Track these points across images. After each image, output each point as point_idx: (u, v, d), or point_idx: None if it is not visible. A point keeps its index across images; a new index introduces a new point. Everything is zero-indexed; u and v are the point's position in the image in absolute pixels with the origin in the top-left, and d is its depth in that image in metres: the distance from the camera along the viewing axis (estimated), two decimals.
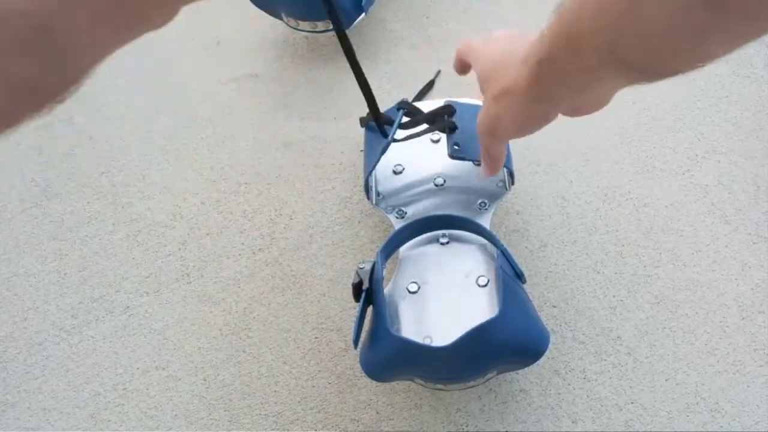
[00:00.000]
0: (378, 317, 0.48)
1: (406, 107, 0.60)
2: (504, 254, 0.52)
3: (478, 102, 0.63)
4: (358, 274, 0.49)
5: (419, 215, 0.59)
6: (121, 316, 0.63)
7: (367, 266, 0.50)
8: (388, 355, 0.47)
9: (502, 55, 0.42)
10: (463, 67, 0.51)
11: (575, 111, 0.41)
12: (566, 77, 0.35)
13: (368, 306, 0.50)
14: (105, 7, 0.25)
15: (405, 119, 0.60)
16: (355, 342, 0.49)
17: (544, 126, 0.41)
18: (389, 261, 0.56)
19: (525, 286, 0.53)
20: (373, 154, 0.60)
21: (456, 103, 0.59)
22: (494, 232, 0.56)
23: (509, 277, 0.50)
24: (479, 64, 0.45)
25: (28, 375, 0.60)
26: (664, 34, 0.28)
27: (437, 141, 0.63)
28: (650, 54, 0.30)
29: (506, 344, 0.46)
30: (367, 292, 0.49)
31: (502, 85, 0.40)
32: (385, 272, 0.54)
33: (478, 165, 0.63)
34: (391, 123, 0.58)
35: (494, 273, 0.54)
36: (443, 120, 0.58)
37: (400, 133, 0.59)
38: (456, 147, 0.57)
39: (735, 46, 0.29)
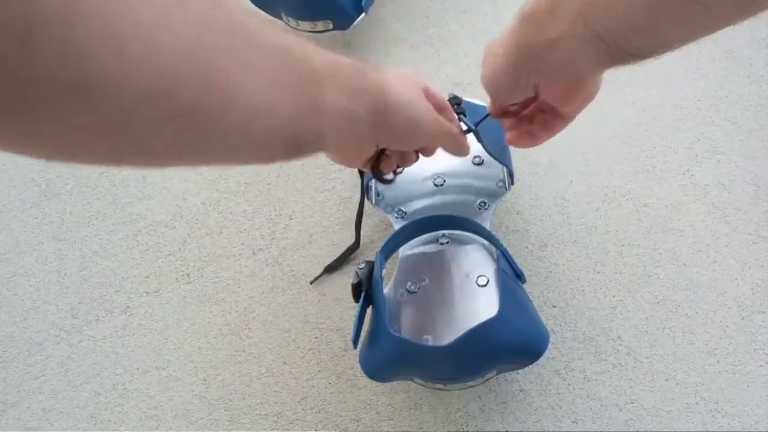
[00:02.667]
0: (377, 317, 0.48)
1: None
2: (504, 254, 0.52)
3: (480, 101, 0.63)
4: (357, 274, 0.49)
5: (419, 215, 0.59)
6: (121, 316, 0.63)
7: (367, 267, 0.50)
8: (388, 355, 0.47)
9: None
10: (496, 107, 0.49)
11: (564, 96, 0.41)
12: (541, 36, 0.35)
13: (367, 306, 0.50)
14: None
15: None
16: (355, 342, 0.49)
17: (517, 91, 0.41)
18: (389, 261, 0.56)
19: (525, 286, 0.53)
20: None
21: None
22: (494, 232, 0.56)
23: (508, 278, 0.49)
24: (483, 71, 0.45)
25: (28, 375, 0.60)
26: (625, 7, 0.30)
27: None
28: (614, 26, 0.31)
29: (505, 344, 0.46)
30: (367, 292, 0.49)
31: (491, 43, 0.41)
32: (384, 272, 0.54)
33: (479, 165, 0.63)
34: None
35: (494, 273, 0.54)
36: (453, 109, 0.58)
37: None
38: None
39: (691, 35, 0.31)
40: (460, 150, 0.48)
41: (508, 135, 0.48)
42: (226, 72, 0.25)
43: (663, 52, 0.32)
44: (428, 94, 0.45)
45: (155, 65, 0.21)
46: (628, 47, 0.32)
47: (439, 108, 0.46)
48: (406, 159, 0.47)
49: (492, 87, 0.43)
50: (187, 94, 0.23)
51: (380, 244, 0.55)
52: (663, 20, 0.30)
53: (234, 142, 0.27)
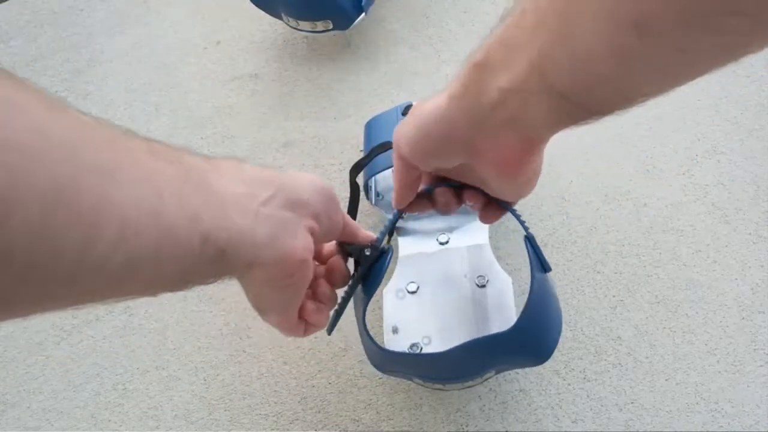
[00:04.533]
0: (362, 325, 0.46)
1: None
2: (530, 241, 0.45)
3: None
4: (363, 252, 0.44)
5: (419, 215, 0.59)
6: (121, 316, 0.63)
7: (374, 254, 0.45)
8: (389, 366, 0.47)
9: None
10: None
11: (503, 166, 0.34)
12: (490, 87, 0.30)
13: (351, 294, 0.46)
14: None
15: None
16: (329, 331, 0.45)
17: (449, 153, 0.35)
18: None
19: (521, 287, 0.53)
20: (376, 157, 0.60)
21: None
22: (494, 232, 0.55)
23: (541, 278, 0.43)
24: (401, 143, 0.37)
25: (28, 375, 0.60)
26: (590, 54, 0.25)
27: None
28: (576, 78, 0.26)
29: (513, 352, 0.45)
30: (359, 279, 0.45)
31: (419, 102, 0.35)
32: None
33: None
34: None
35: (493, 273, 0.54)
36: None
37: None
38: None
39: (664, 85, 0.26)
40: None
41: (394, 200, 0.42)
42: (88, 191, 0.21)
43: (628, 108, 0.28)
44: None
45: None
46: (591, 103, 0.28)
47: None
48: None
49: (417, 144, 0.35)
50: (23, 228, 0.19)
51: (404, 249, 0.53)
52: (634, 70, 0.25)
53: (123, 269, 0.24)
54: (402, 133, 0.36)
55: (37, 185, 0.19)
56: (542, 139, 0.33)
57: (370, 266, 0.44)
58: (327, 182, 0.37)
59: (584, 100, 0.28)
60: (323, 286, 0.42)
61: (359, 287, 0.45)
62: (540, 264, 0.43)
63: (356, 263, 0.45)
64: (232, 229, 0.29)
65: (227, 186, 0.30)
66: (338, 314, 0.44)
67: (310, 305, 0.40)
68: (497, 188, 0.37)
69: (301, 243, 0.34)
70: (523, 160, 0.34)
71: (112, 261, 0.23)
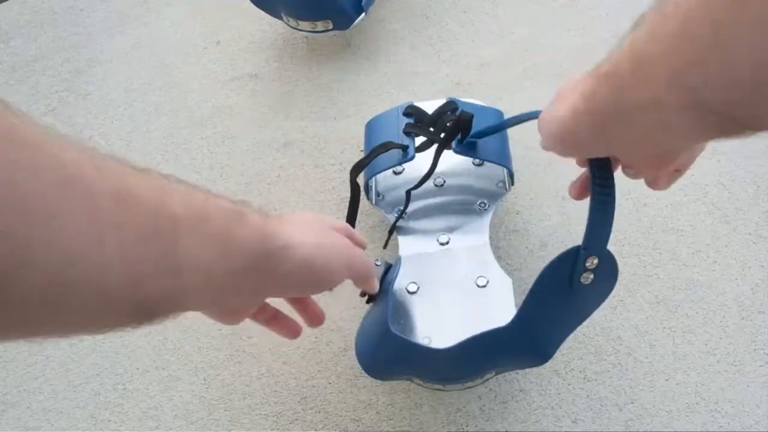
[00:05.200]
0: (382, 316, 0.48)
1: (412, 111, 0.60)
2: (578, 254, 0.40)
3: (479, 102, 0.63)
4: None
5: (419, 215, 0.59)
6: None
7: (384, 266, 0.50)
8: (389, 355, 0.47)
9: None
10: (578, 192, 0.42)
11: (650, 166, 0.33)
12: (621, 104, 0.28)
13: (369, 302, 0.50)
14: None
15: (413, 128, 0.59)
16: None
17: (588, 154, 0.35)
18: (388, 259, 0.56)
19: (524, 285, 0.53)
20: (376, 157, 0.60)
21: (458, 101, 0.59)
22: (494, 232, 0.55)
23: (546, 278, 0.41)
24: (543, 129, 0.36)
25: (28, 375, 0.60)
26: (752, 64, 0.22)
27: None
28: (733, 91, 0.23)
29: (512, 351, 0.45)
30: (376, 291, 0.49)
31: (562, 94, 0.33)
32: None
33: (479, 165, 0.63)
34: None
35: (494, 273, 0.54)
36: (447, 116, 0.58)
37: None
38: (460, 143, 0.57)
39: None
40: (369, 288, 0.47)
41: (572, 188, 0.41)
42: (11, 224, 0.19)
43: None
44: (346, 234, 0.42)
45: None
46: (748, 117, 0.24)
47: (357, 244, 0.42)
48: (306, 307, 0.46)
49: (554, 148, 0.35)
50: None
51: (404, 249, 0.55)
52: None
53: (40, 315, 0.23)
54: (539, 127, 0.36)
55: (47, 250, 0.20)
56: (685, 149, 0.32)
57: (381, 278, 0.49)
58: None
59: (740, 113, 0.24)
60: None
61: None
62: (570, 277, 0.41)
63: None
64: (174, 298, 0.27)
65: (190, 248, 0.27)
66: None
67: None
68: (647, 175, 0.37)
69: (248, 309, 0.39)
70: (668, 162, 0.33)
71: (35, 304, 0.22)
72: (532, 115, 0.43)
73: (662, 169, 0.35)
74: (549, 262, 0.39)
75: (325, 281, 0.38)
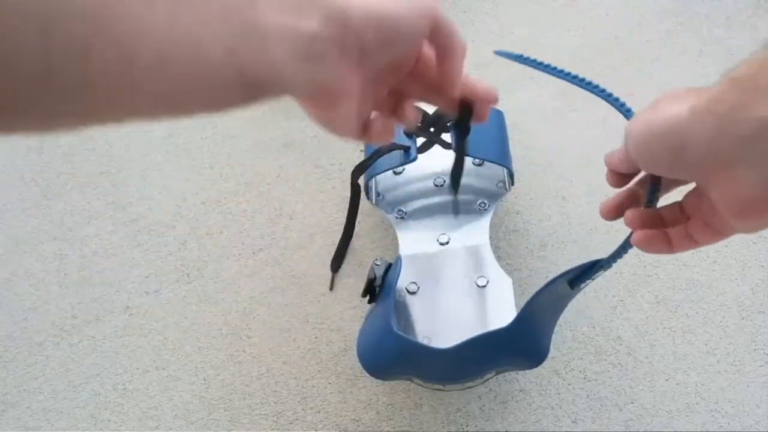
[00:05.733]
0: (383, 315, 0.48)
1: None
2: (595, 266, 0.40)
3: None
4: (373, 270, 0.49)
5: (419, 215, 0.59)
6: (121, 316, 0.63)
7: (384, 265, 0.49)
8: (391, 354, 0.47)
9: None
10: (616, 178, 0.39)
11: (745, 204, 0.28)
12: (746, 113, 0.25)
13: (371, 301, 0.50)
14: None
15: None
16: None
17: (680, 169, 0.30)
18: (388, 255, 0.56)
19: (523, 287, 0.53)
20: (377, 158, 0.60)
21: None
22: (494, 233, 0.55)
23: (556, 286, 0.41)
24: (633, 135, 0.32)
25: (28, 375, 0.60)
26: None
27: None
28: None
29: (512, 351, 0.45)
30: (376, 289, 0.49)
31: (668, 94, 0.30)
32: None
33: (479, 165, 0.63)
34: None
35: (494, 274, 0.54)
36: (448, 117, 0.58)
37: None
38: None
39: None
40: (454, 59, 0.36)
41: (635, 236, 0.36)
42: (116, 11, 0.20)
43: None
44: None
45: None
46: None
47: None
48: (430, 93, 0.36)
49: (642, 146, 0.31)
50: (65, 50, 0.19)
51: (404, 249, 0.55)
52: None
53: (159, 94, 0.23)
54: (634, 126, 0.32)
55: (80, 7, 0.19)
56: None
57: (382, 277, 0.48)
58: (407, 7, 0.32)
59: None
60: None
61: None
62: (577, 278, 0.41)
63: (370, 284, 0.48)
64: (267, 69, 0.27)
65: (268, 15, 0.27)
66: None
67: (378, 119, 0.37)
68: (732, 219, 0.31)
69: (343, 85, 0.32)
70: (761, 207, 0.27)
71: (145, 88, 0.23)
72: (616, 104, 0.39)
73: (747, 213, 0.28)
74: (566, 271, 0.38)
75: (403, 28, 0.32)
